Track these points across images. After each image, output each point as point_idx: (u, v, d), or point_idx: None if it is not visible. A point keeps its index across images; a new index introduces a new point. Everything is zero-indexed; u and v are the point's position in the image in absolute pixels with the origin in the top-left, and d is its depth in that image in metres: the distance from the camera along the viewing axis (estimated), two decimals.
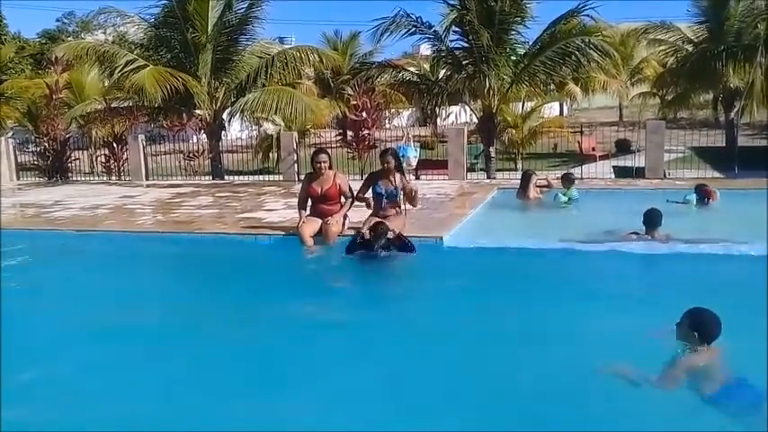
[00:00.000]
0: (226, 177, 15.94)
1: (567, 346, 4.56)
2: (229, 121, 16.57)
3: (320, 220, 7.75)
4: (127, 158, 16.76)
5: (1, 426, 3.58)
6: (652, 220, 7.05)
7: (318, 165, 7.82)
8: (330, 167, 7.97)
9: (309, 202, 8.00)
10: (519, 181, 10.71)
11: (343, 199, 7.94)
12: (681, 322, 3.99)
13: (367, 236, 7.10)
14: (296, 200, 8.31)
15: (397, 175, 7.71)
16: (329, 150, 8.61)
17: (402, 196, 7.73)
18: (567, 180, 10.37)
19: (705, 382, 3.79)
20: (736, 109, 19.48)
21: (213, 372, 4.57)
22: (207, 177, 15.95)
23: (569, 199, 10.00)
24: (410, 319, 5.51)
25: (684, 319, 3.97)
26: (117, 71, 14.79)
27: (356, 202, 7.98)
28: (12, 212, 11.15)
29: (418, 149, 8.42)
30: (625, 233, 7.13)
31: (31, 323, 5.56)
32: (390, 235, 7.05)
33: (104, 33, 31.13)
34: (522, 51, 15.30)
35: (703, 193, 9.42)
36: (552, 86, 20.32)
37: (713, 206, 9.31)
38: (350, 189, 7.95)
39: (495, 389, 4.13)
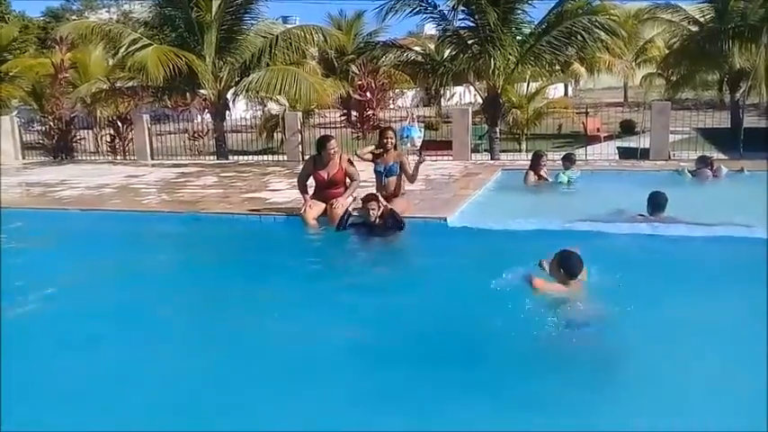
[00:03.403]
0: (230, 157, 15.95)
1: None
2: (234, 100, 16.55)
3: (324, 204, 7.75)
4: (132, 138, 16.78)
5: (1, 426, 3.63)
6: (656, 203, 7.03)
7: (332, 151, 7.75)
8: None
9: (312, 184, 7.98)
10: (525, 162, 10.73)
11: (348, 181, 7.92)
12: (552, 260, 4.94)
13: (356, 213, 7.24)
14: None
15: (395, 152, 7.74)
16: (333, 131, 8.61)
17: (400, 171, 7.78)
18: (569, 160, 10.38)
19: (567, 308, 4.67)
20: (741, 90, 19.36)
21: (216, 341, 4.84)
22: (211, 157, 15.98)
23: (569, 180, 10.02)
24: (412, 300, 5.56)
25: (554, 258, 4.92)
26: (122, 50, 14.75)
27: (361, 185, 8.00)
28: (18, 191, 11.22)
29: (422, 130, 8.42)
30: (632, 215, 7.13)
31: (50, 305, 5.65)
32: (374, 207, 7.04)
33: (108, 12, 31.01)
34: (527, 31, 15.17)
35: (705, 164, 10.01)
36: (557, 67, 20.20)
37: (717, 181, 9.71)
38: (356, 171, 7.95)
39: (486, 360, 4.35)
